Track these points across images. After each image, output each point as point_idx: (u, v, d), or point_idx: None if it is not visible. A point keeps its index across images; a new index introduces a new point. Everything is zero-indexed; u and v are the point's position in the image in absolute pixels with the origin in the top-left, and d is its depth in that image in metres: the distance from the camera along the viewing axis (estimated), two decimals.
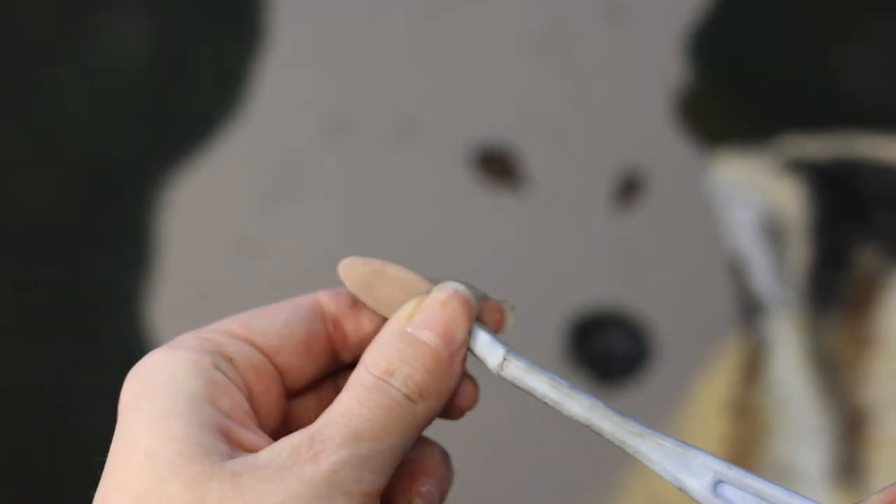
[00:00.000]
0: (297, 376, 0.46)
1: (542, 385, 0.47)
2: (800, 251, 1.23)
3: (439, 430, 1.27)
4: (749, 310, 1.23)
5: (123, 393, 0.45)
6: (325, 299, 0.48)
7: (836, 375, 1.20)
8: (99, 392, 1.23)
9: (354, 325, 0.48)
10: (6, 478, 1.22)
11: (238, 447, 0.41)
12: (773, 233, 1.24)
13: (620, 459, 1.21)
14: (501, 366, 0.47)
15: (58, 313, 1.24)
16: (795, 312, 1.22)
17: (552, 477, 1.22)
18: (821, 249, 1.23)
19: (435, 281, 0.49)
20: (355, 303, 0.48)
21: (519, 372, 0.47)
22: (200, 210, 1.26)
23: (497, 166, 1.27)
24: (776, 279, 1.23)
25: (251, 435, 0.41)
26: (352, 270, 0.49)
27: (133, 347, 1.24)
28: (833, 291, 1.22)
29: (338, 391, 0.44)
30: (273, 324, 0.46)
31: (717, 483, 0.44)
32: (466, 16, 1.30)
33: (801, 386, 1.20)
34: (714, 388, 1.22)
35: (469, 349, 0.48)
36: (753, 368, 1.22)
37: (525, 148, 1.27)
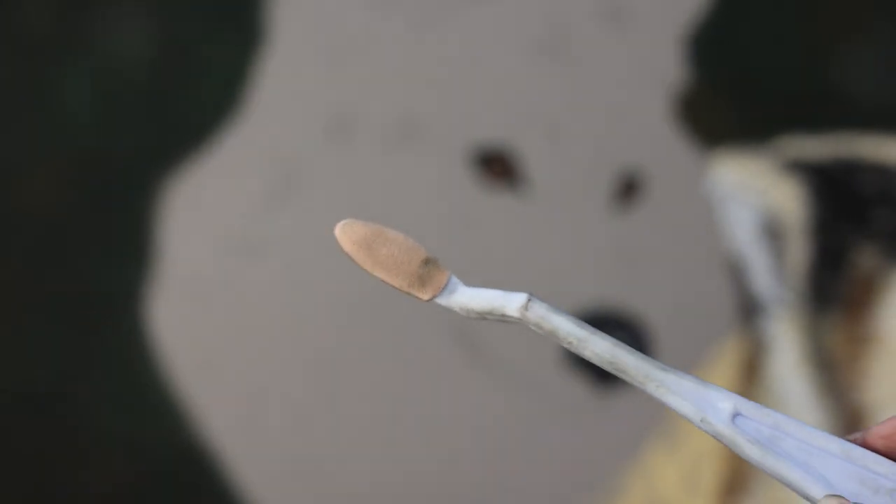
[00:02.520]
0: None
1: (567, 325, 0.47)
2: (799, 251, 1.23)
3: (438, 432, 1.27)
4: (748, 309, 1.23)
5: None
6: None
7: (835, 374, 1.21)
8: (99, 392, 1.23)
9: None
10: (6, 477, 1.22)
11: None
12: (772, 233, 1.24)
13: (620, 460, 1.21)
14: (526, 307, 0.47)
15: (58, 313, 1.24)
16: (794, 312, 1.22)
17: (552, 478, 1.22)
18: (819, 249, 1.23)
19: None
20: None
21: (543, 312, 0.47)
22: (201, 210, 1.26)
23: (497, 166, 1.28)
24: (775, 279, 1.23)
25: None
26: (352, 230, 0.48)
27: (133, 347, 1.24)
28: (832, 291, 1.23)
29: None
30: None
31: (736, 416, 0.45)
32: (467, 17, 1.31)
33: (800, 385, 1.20)
34: None
35: (470, 309, 0.48)
36: (752, 368, 1.22)
37: (525, 148, 1.27)
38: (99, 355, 1.23)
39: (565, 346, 0.47)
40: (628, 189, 1.27)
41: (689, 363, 1.23)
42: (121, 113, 1.28)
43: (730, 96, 1.30)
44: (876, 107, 1.28)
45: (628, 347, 0.46)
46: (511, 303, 0.47)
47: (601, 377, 1.22)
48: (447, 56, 1.30)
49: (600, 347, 0.47)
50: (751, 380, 1.21)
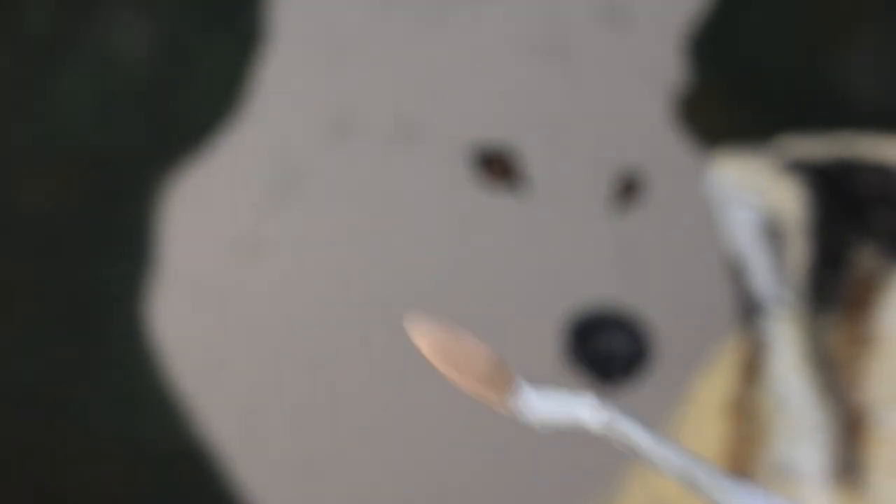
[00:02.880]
0: None
1: (647, 442, 0.47)
2: (798, 251, 1.23)
3: (438, 432, 1.27)
4: (748, 310, 1.23)
5: None
6: None
7: (835, 375, 1.21)
8: (99, 392, 1.23)
9: None
10: (6, 477, 1.22)
11: None
12: (772, 233, 1.24)
13: (620, 460, 1.21)
14: (609, 425, 0.48)
15: (58, 313, 1.24)
16: (794, 312, 1.22)
17: (552, 478, 1.22)
18: (819, 249, 1.23)
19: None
20: None
21: (626, 429, 0.48)
22: (201, 210, 1.26)
23: (497, 166, 1.28)
24: (775, 279, 1.23)
25: None
26: (430, 334, 0.48)
27: (134, 347, 1.24)
28: (832, 291, 1.23)
29: None
30: None
31: None
32: (466, 17, 1.31)
33: (800, 385, 1.20)
34: (713, 387, 1.22)
35: (548, 424, 0.48)
36: (752, 368, 1.22)
37: (525, 148, 1.27)
38: (99, 355, 1.24)
39: (639, 458, 0.48)
40: (628, 189, 1.27)
41: (689, 363, 1.23)
42: (121, 113, 1.28)
43: (730, 96, 1.30)
44: (876, 107, 1.28)
45: (703, 464, 0.47)
46: (594, 418, 0.47)
47: (601, 377, 1.22)
48: (447, 56, 1.30)
49: (676, 464, 0.47)
50: (751, 380, 1.21)
